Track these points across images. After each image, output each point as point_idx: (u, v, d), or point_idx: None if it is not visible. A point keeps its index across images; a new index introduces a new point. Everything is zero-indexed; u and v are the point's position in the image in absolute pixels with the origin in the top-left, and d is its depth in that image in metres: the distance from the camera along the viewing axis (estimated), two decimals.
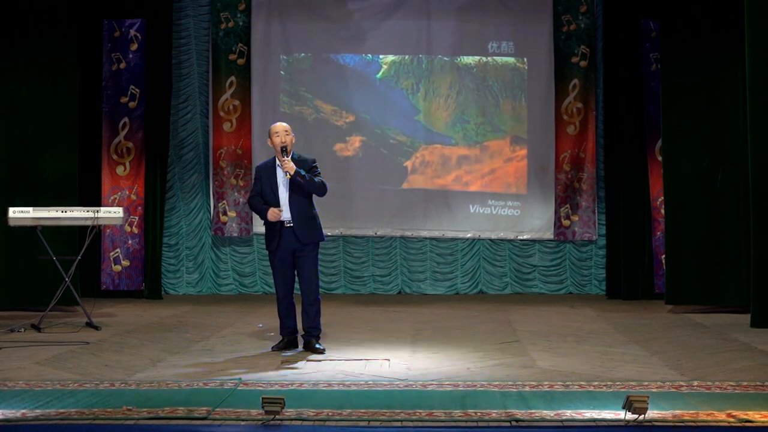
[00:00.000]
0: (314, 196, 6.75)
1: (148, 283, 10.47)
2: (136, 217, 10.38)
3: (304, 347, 6.73)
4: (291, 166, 6.55)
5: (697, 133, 9.05)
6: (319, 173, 6.74)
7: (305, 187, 6.61)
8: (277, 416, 4.54)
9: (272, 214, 6.62)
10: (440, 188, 11.06)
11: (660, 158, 9.83)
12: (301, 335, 6.81)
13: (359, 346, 6.97)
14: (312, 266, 6.69)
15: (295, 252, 6.68)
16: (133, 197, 10.40)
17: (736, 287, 8.80)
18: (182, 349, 6.88)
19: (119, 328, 7.99)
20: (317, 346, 6.67)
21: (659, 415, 4.58)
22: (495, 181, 11.05)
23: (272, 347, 6.80)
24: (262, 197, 6.73)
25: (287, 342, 6.80)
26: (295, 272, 6.78)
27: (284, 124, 6.79)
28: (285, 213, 6.63)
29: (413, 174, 11.06)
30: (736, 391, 5.23)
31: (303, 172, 6.58)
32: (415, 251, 11.15)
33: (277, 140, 6.62)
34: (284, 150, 6.60)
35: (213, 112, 10.94)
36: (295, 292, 6.84)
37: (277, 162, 6.67)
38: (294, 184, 6.59)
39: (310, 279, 6.69)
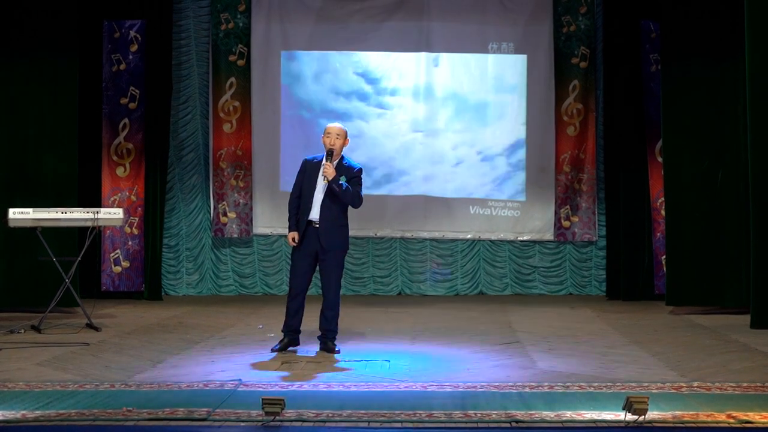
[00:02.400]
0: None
1: (148, 284, 10.47)
2: (136, 218, 10.39)
3: (321, 348, 6.74)
4: (330, 172, 6.53)
5: (698, 134, 9.05)
6: (360, 184, 6.73)
7: (340, 196, 6.60)
8: (277, 417, 4.54)
9: (289, 238, 6.73)
10: (440, 189, 11.05)
11: (660, 159, 9.84)
12: (317, 336, 6.81)
13: (359, 347, 6.97)
14: (335, 272, 6.69)
15: (318, 255, 6.67)
16: (133, 198, 10.40)
17: (737, 288, 8.80)
18: (182, 351, 6.87)
19: (119, 329, 7.98)
20: (332, 346, 6.69)
21: (659, 416, 4.58)
22: (495, 182, 11.05)
23: (272, 348, 6.78)
24: (300, 191, 6.72)
25: (288, 341, 6.77)
26: (314, 275, 6.79)
27: (339, 126, 6.75)
28: (315, 213, 6.63)
29: (413, 175, 11.05)
30: (737, 392, 5.24)
31: (341, 181, 6.57)
32: (415, 252, 11.15)
33: (327, 141, 6.63)
34: (330, 154, 6.59)
35: (213, 113, 10.95)
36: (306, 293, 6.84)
37: (324, 160, 6.67)
38: (330, 190, 6.60)
39: (331, 285, 6.69)
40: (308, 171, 6.75)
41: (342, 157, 6.73)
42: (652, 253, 10.18)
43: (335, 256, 6.68)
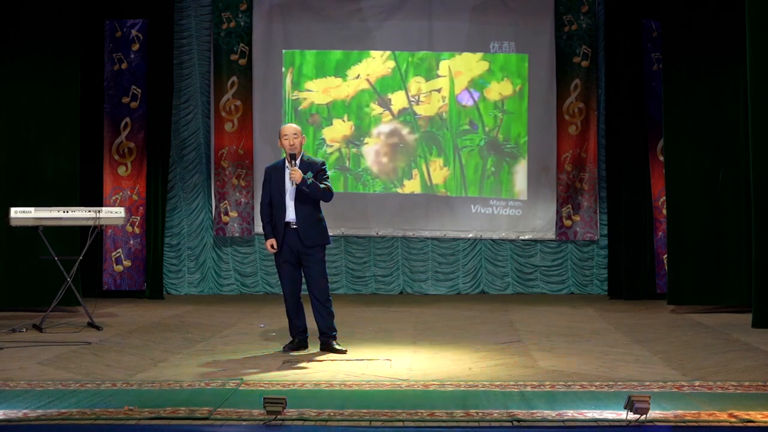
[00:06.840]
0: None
1: (149, 283, 10.48)
2: (138, 218, 10.39)
3: (321, 348, 6.72)
4: (297, 176, 6.55)
5: (699, 133, 9.05)
6: (327, 177, 6.75)
7: (311, 195, 6.62)
8: (278, 416, 4.54)
9: (268, 245, 6.72)
10: (442, 188, 11.05)
11: (661, 158, 9.84)
12: (318, 337, 6.80)
13: (361, 346, 6.97)
14: (319, 268, 6.68)
15: (300, 254, 6.68)
16: (135, 197, 10.40)
17: (738, 287, 8.80)
18: (184, 350, 6.88)
19: (121, 328, 7.99)
20: (337, 347, 6.67)
21: (661, 415, 4.58)
22: (496, 181, 11.05)
23: (284, 347, 6.79)
24: (270, 198, 6.74)
25: (298, 342, 6.78)
26: (302, 274, 6.78)
27: (294, 126, 6.79)
28: (290, 214, 6.65)
29: (415, 173, 11.06)
30: (738, 391, 5.23)
31: (309, 180, 6.57)
32: (416, 251, 11.15)
33: (286, 143, 6.65)
34: (293, 157, 6.61)
35: (214, 113, 10.95)
36: (302, 292, 6.82)
37: (287, 163, 6.69)
38: (300, 191, 6.61)
39: (318, 281, 6.69)
40: (273, 177, 6.77)
41: (302, 155, 6.75)
42: (653, 252, 10.17)
43: (317, 252, 6.69)
